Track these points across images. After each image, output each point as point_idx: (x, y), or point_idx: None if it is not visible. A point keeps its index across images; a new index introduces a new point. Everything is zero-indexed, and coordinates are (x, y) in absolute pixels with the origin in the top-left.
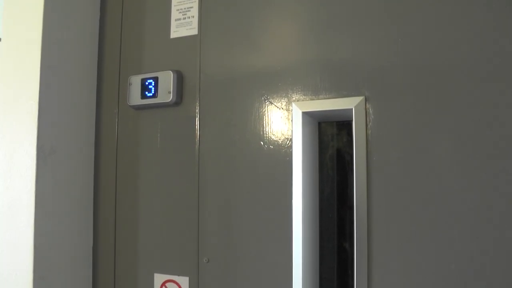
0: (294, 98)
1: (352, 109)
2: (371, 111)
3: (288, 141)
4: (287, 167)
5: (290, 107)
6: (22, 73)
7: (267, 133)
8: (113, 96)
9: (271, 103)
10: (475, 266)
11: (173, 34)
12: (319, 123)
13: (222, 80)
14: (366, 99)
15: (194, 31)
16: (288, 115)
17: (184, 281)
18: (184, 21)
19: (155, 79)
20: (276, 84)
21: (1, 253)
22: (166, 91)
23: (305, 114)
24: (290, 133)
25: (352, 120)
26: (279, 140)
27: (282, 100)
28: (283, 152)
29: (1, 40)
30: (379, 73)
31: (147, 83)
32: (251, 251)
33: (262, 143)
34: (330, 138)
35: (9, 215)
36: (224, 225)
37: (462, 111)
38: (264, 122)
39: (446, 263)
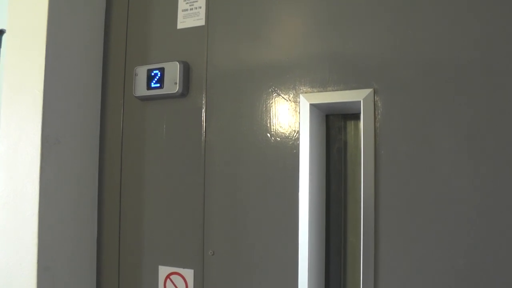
0: (302, 90)
1: (360, 101)
2: (379, 104)
3: (295, 133)
4: (294, 159)
5: (298, 99)
6: (27, 63)
7: (274, 125)
8: (119, 87)
9: (279, 95)
10: (484, 261)
11: (180, 25)
12: (327, 116)
13: (229, 71)
14: (375, 92)
15: (201, 22)
16: (295, 107)
17: (188, 273)
18: (191, 12)
19: (161, 70)
20: (284, 76)
21: (6, 243)
22: (173, 82)
23: (313, 106)
24: (297, 125)
25: (360, 113)
26: (287, 132)
27: (290, 92)
28: (290, 144)
29: (7, 31)
30: (388, 66)
31: (153, 74)
32: (256, 244)
33: (269, 135)
34: (337, 131)
35: (14, 205)
36: (229, 218)
37: (471, 105)
38: (272, 114)
39: (454, 258)
